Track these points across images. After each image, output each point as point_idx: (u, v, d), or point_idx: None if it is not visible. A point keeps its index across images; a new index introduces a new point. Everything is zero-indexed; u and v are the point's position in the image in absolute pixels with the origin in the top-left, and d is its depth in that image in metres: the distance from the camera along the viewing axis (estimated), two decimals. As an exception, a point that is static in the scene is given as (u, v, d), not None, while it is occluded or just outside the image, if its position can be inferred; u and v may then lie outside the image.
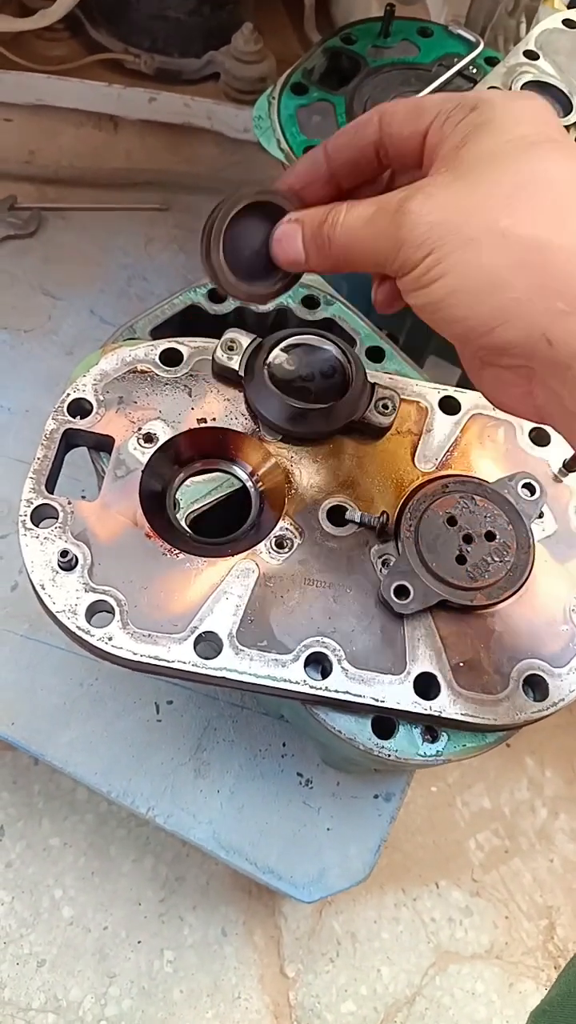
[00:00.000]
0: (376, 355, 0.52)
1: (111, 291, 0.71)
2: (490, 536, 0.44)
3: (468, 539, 0.44)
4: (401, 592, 0.42)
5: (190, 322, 0.53)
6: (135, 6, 0.75)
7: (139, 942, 0.68)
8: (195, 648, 0.40)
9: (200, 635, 0.41)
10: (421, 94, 0.60)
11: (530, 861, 0.76)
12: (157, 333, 0.52)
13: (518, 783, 0.79)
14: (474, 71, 0.61)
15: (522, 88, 0.56)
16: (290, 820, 0.52)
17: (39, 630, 0.55)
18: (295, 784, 0.53)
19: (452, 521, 0.44)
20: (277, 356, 0.45)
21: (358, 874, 0.52)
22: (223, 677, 0.40)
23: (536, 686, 0.42)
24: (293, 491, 0.45)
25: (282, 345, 0.45)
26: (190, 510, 0.46)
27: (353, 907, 0.72)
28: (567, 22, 0.63)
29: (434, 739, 0.42)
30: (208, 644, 0.41)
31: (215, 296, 0.53)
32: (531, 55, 0.60)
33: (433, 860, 0.75)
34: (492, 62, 0.63)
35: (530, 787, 0.79)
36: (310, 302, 0.54)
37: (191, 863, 0.71)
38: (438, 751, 0.42)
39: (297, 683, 0.40)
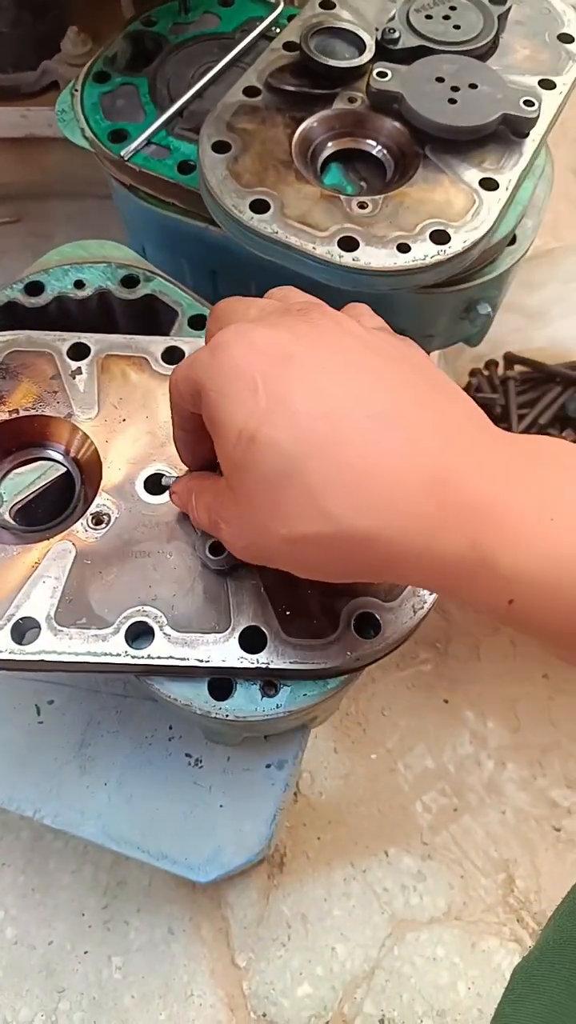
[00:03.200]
0: (199, 323, 0.52)
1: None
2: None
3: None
4: (215, 549, 0.41)
5: (11, 318, 0.53)
6: (-41, 26, 0.76)
7: (86, 952, 0.67)
8: (12, 635, 0.40)
9: (17, 622, 0.40)
10: (222, 63, 0.60)
11: (481, 816, 0.74)
12: (-23, 334, 0.52)
13: (460, 739, 0.77)
14: (276, 31, 0.61)
15: (313, 35, 0.56)
16: (181, 802, 0.52)
17: None
18: (184, 765, 0.53)
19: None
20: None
21: (254, 847, 0.50)
22: (42, 660, 0.39)
23: (368, 624, 0.41)
24: (109, 466, 0.45)
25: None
26: (13, 502, 0.46)
27: (301, 888, 0.70)
28: (364, -31, 0.62)
29: (274, 693, 0.41)
30: (27, 629, 0.40)
31: (32, 289, 0.53)
32: (327, 5, 0.59)
33: (379, 829, 0.73)
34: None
35: (473, 741, 0.77)
36: (129, 281, 0.53)
37: (131, 866, 0.70)
38: (278, 704, 0.41)
39: (118, 655, 0.40)
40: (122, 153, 0.55)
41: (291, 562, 0.33)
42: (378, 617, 0.41)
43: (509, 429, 0.76)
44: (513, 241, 0.59)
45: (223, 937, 0.68)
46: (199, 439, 0.37)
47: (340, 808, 0.74)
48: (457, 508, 0.28)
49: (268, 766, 0.53)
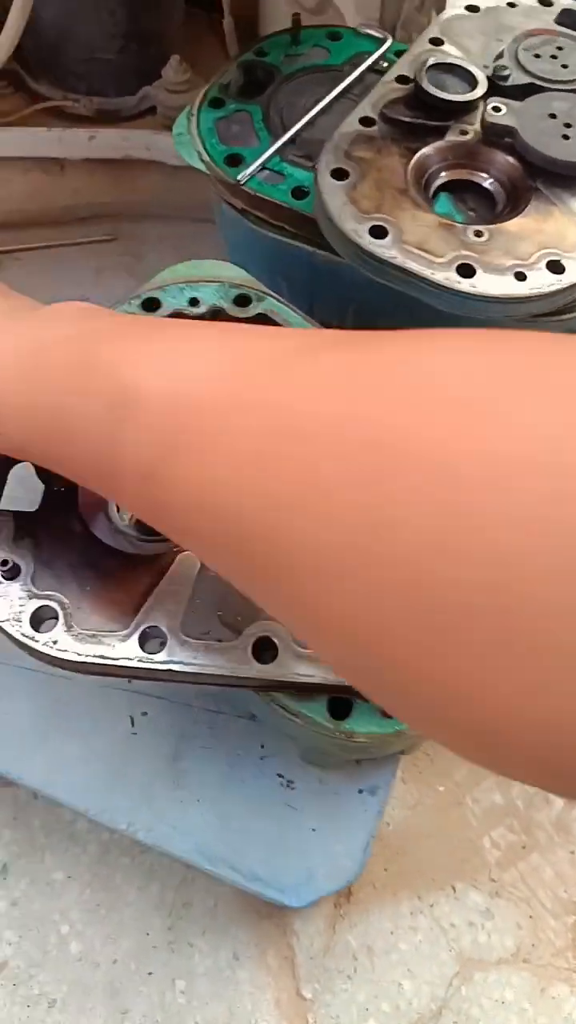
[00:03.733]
0: (310, 344, 0.52)
1: (65, 322, 0.73)
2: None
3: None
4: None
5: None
6: (66, 52, 0.78)
7: (150, 973, 0.66)
8: (140, 644, 0.40)
9: (145, 630, 0.40)
10: (333, 93, 0.61)
11: (549, 855, 0.73)
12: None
13: (529, 775, 0.76)
14: (384, 65, 0.63)
15: (427, 71, 0.57)
16: (273, 824, 0.51)
17: (4, 652, 0.55)
18: (276, 786, 0.52)
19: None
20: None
21: (348, 873, 0.50)
22: (169, 670, 0.39)
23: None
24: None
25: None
26: (132, 511, 0.46)
27: (367, 919, 0.69)
28: (470, 8, 0.64)
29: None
30: (153, 639, 0.40)
31: (148, 305, 0.54)
32: (436, 41, 0.61)
33: (447, 863, 0.72)
34: (402, 55, 0.64)
35: (542, 778, 0.76)
36: (242, 300, 0.54)
37: (197, 887, 0.69)
38: (397, 727, 0.40)
39: (244, 669, 0.40)
40: (238, 177, 0.56)
41: None
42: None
43: None
44: (616, 275, 0.59)
45: (288, 966, 0.67)
46: None
47: (407, 839, 0.73)
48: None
49: (361, 791, 0.52)
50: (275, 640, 0.40)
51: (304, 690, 0.40)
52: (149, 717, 0.54)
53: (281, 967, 0.67)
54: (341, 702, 0.41)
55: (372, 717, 0.40)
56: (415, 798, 0.74)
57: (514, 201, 0.55)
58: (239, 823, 0.51)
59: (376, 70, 0.63)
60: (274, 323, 0.54)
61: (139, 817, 0.51)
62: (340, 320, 0.65)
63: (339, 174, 0.53)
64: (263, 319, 0.55)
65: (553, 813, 0.75)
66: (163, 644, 0.40)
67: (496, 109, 0.55)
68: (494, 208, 0.56)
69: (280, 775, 0.52)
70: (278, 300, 0.55)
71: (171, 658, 0.39)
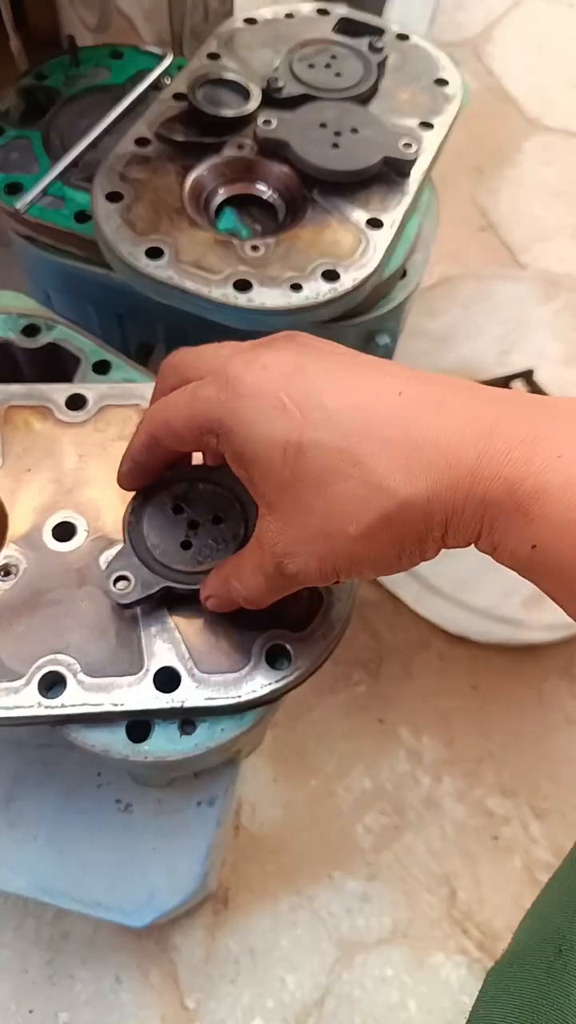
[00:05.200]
0: (103, 368, 0.52)
1: None
2: (217, 520, 0.44)
3: (194, 525, 0.44)
4: (121, 582, 0.42)
5: None
6: None
7: (31, 1011, 0.65)
8: None
9: None
10: (113, 114, 0.61)
11: (421, 832, 0.76)
12: None
13: (396, 757, 0.79)
14: (167, 81, 0.63)
15: (201, 86, 0.58)
16: (113, 849, 0.51)
17: None
18: (115, 812, 0.52)
19: (178, 510, 0.44)
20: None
21: (188, 887, 0.50)
22: (-50, 719, 0.39)
23: (280, 655, 0.42)
24: (14, 516, 0.45)
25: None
26: None
27: (247, 921, 0.70)
28: (248, 20, 0.65)
29: (192, 731, 0.41)
30: None
31: None
32: (213, 56, 0.62)
33: (322, 854, 0.74)
34: (185, 71, 0.64)
35: (409, 758, 0.79)
36: (31, 330, 0.54)
37: (74, 917, 0.68)
38: (196, 742, 0.41)
39: (31, 706, 0.39)
40: (17, 206, 0.56)
41: (369, 560, 0.32)
42: (289, 648, 0.42)
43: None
44: (404, 275, 0.61)
45: (172, 980, 0.67)
46: (150, 469, 0.42)
47: (282, 837, 0.74)
48: (496, 455, 0.29)
49: (199, 804, 0.53)
50: (63, 673, 0.40)
51: (97, 719, 0.40)
52: (-22, 762, 0.53)
53: (164, 982, 0.67)
54: (138, 726, 0.41)
55: (171, 738, 0.41)
56: (287, 796, 0.76)
57: (293, 212, 0.57)
58: (78, 853, 0.51)
59: (158, 87, 0.63)
60: (66, 351, 0.54)
61: (-27, 863, 0.50)
62: (152, 338, 0.65)
63: (113, 196, 0.53)
64: (54, 348, 0.54)
65: (422, 791, 0.78)
66: (-57, 694, 0.39)
67: (267, 122, 0.56)
68: (277, 220, 0.58)
69: (118, 800, 0.53)
70: (69, 327, 0.54)
71: (-48, 707, 0.39)
